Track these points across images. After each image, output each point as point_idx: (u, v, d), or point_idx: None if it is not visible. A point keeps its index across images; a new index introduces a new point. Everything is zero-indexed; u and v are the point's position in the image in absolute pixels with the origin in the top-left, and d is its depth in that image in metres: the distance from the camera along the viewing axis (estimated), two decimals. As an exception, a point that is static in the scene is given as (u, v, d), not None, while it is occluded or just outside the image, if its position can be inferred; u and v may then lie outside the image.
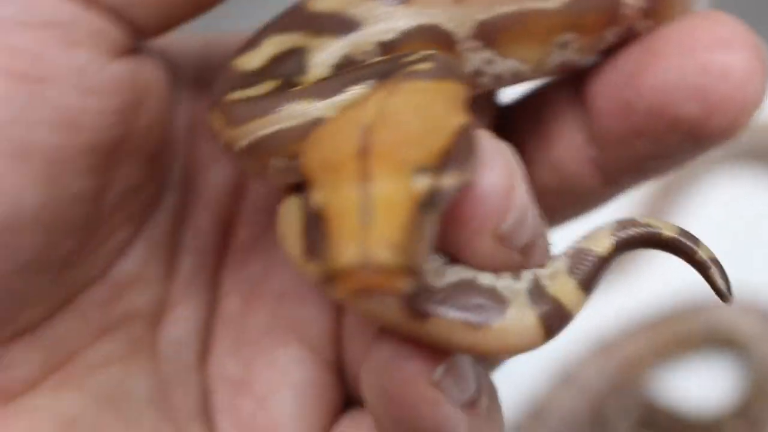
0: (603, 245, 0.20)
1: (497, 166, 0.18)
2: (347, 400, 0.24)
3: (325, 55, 0.21)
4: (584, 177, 0.23)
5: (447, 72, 0.19)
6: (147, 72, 0.22)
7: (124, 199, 0.22)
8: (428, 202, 0.17)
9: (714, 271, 0.20)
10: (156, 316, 0.24)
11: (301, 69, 0.21)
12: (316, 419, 0.23)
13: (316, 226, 0.18)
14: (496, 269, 0.19)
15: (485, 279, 0.19)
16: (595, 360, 0.44)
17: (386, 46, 0.21)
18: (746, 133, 0.51)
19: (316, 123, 0.19)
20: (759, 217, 0.49)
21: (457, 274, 0.19)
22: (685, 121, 0.21)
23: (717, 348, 0.45)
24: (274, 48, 0.22)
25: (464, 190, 0.18)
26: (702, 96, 0.20)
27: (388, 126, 0.17)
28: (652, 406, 0.43)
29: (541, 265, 0.20)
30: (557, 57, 0.22)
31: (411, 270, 0.16)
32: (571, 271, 0.20)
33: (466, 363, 0.19)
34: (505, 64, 0.21)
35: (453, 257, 0.19)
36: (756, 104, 0.21)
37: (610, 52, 0.22)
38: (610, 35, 0.22)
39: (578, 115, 0.23)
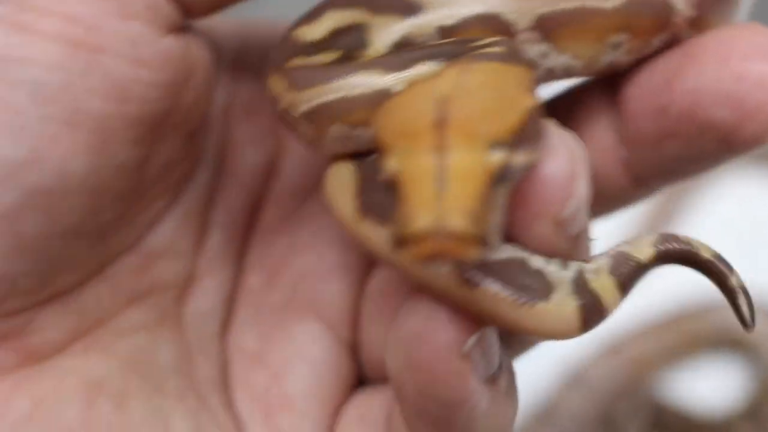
0: (644, 254, 0.20)
1: (564, 152, 0.19)
2: (360, 380, 0.25)
3: (386, 33, 0.22)
4: (614, 177, 0.23)
5: (516, 57, 0.20)
6: (194, 50, 0.22)
7: (163, 172, 0.23)
8: (500, 177, 0.17)
9: (742, 300, 0.21)
10: (183, 288, 0.24)
11: (362, 44, 0.22)
12: (329, 396, 0.24)
13: (376, 189, 0.19)
14: (547, 253, 0.20)
15: (535, 262, 0.20)
16: (604, 361, 0.44)
17: (446, 31, 0.22)
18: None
19: (382, 94, 0.20)
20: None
21: (510, 251, 0.19)
22: (717, 125, 0.21)
23: (726, 349, 0.45)
24: (335, 22, 0.22)
25: (530, 173, 0.19)
26: (736, 103, 0.21)
27: (464, 100, 0.18)
28: (661, 407, 0.43)
29: (585, 259, 0.20)
30: (608, 57, 0.22)
31: (482, 239, 0.16)
32: (613, 271, 0.20)
33: (493, 338, 0.20)
34: (559, 59, 0.22)
35: (509, 236, 0.20)
36: None
37: (649, 58, 0.23)
38: (657, 41, 0.22)
39: (610, 117, 0.23)
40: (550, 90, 0.25)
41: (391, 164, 0.18)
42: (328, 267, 0.24)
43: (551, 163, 0.19)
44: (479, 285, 0.19)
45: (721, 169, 0.50)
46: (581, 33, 0.22)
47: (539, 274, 0.19)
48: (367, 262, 0.25)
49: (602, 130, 0.23)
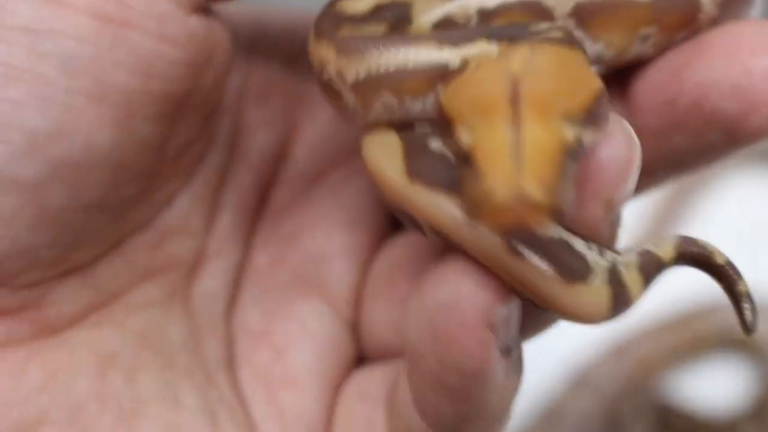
0: (667, 254, 0.21)
1: (623, 137, 0.20)
2: (360, 359, 0.25)
3: (428, 11, 0.23)
4: None
5: (576, 43, 0.21)
6: (216, 31, 0.23)
7: (180, 151, 0.23)
8: (573, 152, 0.18)
9: (747, 306, 0.22)
10: (193, 267, 0.25)
11: (406, 20, 0.23)
12: (330, 373, 0.24)
13: (425, 157, 0.19)
14: (591, 236, 0.20)
15: (579, 245, 0.20)
16: (609, 362, 0.44)
17: (485, 14, 0.22)
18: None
19: (438, 68, 0.21)
20: (772, 219, 0.49)
21: (556, 230, 0.20)
22: (723, 118, 0.22)
23: (731, 349, 0.45)
24: None
25: (589, 153, 0.20)
26: (742, 95, 0.21)
27: (536, 78, 0.19)
28: (667, 408, 0.43)
29: (617, 252, 0.21)
30: (637, 48, 0.23)
31: (559, 211, 0.17)
32: (641, 267, 0.21)
33: (517, 313, 0.20)
34: (592, 47, 0.23)
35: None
36: None
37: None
38: (681, 37, 0.23)
39: (619, 109, 0.24)
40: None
41: (464, 137, 0.18)
42: (334, 248, 0.25)
43: (611, 146, 0.20)
44: (526, 257, 0.19)
45: (723, 169, 0.51)
46: (615, 23, 0.22)
47: (582, 257, 0.20)
48: (372, 244, 0.25)
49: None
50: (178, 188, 0.24)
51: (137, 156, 0.22)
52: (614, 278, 0.20)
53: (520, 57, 0.19)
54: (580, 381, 0.44)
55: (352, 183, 0.26)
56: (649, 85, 0.23)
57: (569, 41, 0.20)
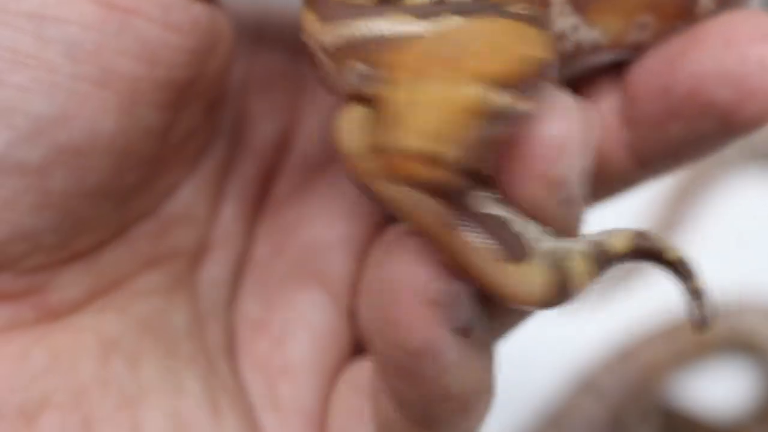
0: (620, 247, 0.21)
1: (565, 114, 0.20)
2: (359, 348, 0.25)
3: None
4: (617, 160, 0.24)
5: (539, 22, 0.21)
6: (220, 20, 0.23)
7: (184, 140, 0.23)
8: (490, 115, 0.18)
9: (702, 303, 0.21)
10: (196, 256, 0.25)
11: None
12: (328, 363, 0.25)
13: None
14: (537, 217, 0.20)
15: (521, 225, 0.20)
16: (614, 366, 0.44)
17: None
18: (763, 133, 0.51)
19: (408, 39, 0.20)
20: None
21: (498, 209, 0.20)
22: (718, 106, 0.22)
23: (736, 352, 0.45)
24: None
25: (528, 128, 0.19)
26: (737, 84, 0.21)
27: (468, 43, 0.19)
28: (672, 411, 0.43)
29: (570, 236, 0.21)
30: (633, 36, 0.23)
31: (448, 166, 0.17)
32: (588, 257, 0.20)
33: (464, 290, 0.20)
34: (588, 33, 0.23)
35: (501, 195, 0.20)
36: None
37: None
38: (678, 27, 0.23)
39: (616, 99, 0.24)
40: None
41: (388, 92, 0.18)
42: (333, 238, 0.25)
43: (552, 124, 0.19)
44: (461, 231, 0.19)
45: (725, 169, 0.51)
46: (612, 9, 0.22)
47: (520, 237, 0.20)
48: (372, 234, 0.25)
49: (607, 112, 0.24)
50: (182, 177, 0.24)
51: (141, 143, 0.22)
52: (554, 263, 0.20)
53: (465, 26, 0.19)
54: (586, 385, 0.44)
55: None
56: (645, 73, 0.23)
57: (528, 18, 0.20)
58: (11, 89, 0.20)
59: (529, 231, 0.20)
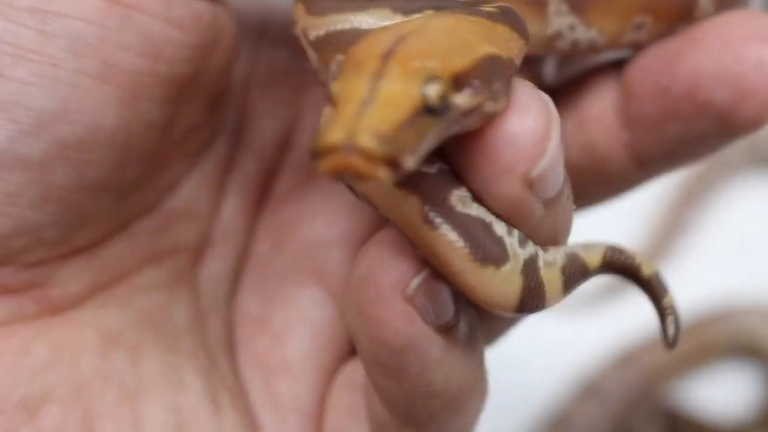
0: (594, 261, 0.21)
1: (534, 110, 0.19)
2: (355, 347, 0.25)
3: None
4: (616, 160, 0.24)
5: (505, 19, 0.20)
6: (222, 16, 0.23)
7: (185, 135, 0.24)
8: (433, 110, 0.18)
9: (672, 319, 0.22)
10: (198, 252, 0.25)
11: None
12: (326, 360, 0.25)
13: None
14: (515, 217, 0.20)
15: (499, 228, 0.20)
16: (618, 370, 0.44)
17: None
18: (765, 137, 0.51)
19: None
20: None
21: (478, 210, 0.20)
22: (716, 107, 0.22)
23: (740, 356, 0.45)
24: None
25: (496, 128, 0.19)
26: (735, 84, 0.21)
27: (418, 38, 0.18)
28: (676, 415, 0.43)
29: (556, 244, 0.21)
30: (630, 36, 0.23)
31: (391, 161, 0.17)
32: (564, 269, 0.21)
33: (443, 288, 0.20)
34: (585, 33, 0.23)
35: (479, 197, 0.20)
36: None
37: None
38: (678, 28, 0.23)
39: (615, 99, 0.24)
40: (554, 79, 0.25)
41: (335, 86, 0.18)
42: (333, 235, 0.25)
43: (520, 120, 0.19)
44: (439, 229, 0.19)
45: (727, 174, 0.51)
46: (609, 9, 0.22)
47: (499, 241, 0.19)
48: (371, 231, 0.25)
49: (606, 112, 0.24)
50: (184, 173, 0.24)
51: (143, 137, 0.22)
52: (530, 272, 0.20)
53: (420, 21, 0.19)
54: (589, 389, 0.44)
55: None
56: (643, 73, 0.23)
57: (498, 17, 0.20)
58: (13, 83, 0.21)
59: (512, 236, 0.20)
